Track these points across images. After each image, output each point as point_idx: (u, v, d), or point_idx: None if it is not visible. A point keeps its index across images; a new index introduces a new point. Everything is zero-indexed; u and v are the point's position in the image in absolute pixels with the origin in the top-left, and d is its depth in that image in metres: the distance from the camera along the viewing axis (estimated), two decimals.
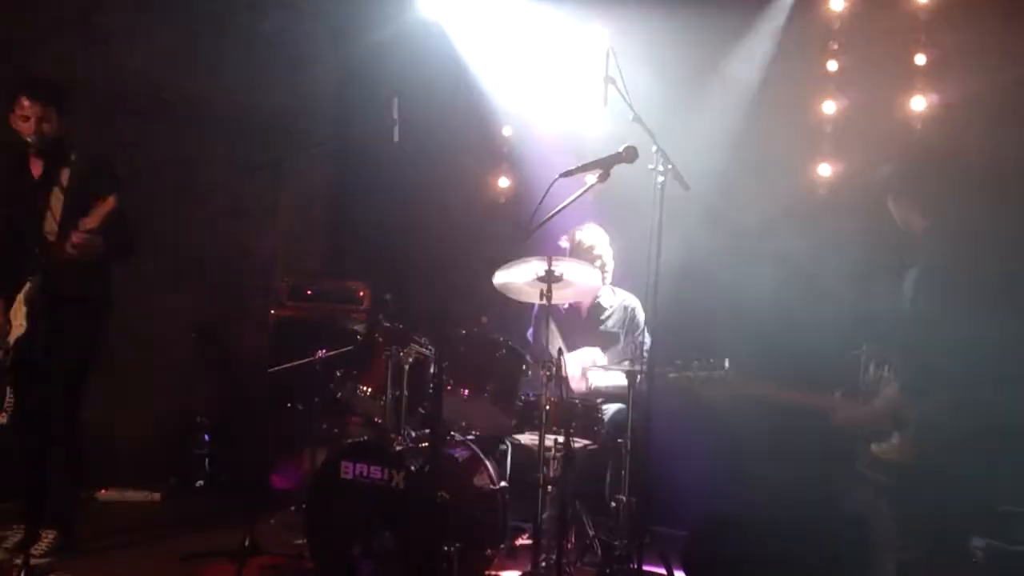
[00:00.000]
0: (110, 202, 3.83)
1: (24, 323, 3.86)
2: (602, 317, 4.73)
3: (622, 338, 4.63)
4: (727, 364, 3.59)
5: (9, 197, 4.08)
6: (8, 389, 3.99)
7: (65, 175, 4.05)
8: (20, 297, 3.94)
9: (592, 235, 4.65)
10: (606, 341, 4.60)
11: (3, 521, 4.22)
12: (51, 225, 3.97)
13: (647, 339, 4.33)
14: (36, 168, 4.09)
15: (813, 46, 5.01)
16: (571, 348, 4.42)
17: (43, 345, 3.65)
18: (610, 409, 4.29)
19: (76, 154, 4.09)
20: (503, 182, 6.07)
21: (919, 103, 4.66)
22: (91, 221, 3.83)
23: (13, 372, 3.96)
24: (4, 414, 3.97)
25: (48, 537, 4.00)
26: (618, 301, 4.76)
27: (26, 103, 3.94)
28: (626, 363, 3.98)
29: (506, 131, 6.00)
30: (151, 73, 5.79)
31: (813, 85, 5.01)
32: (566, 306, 4.66)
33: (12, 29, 5.12)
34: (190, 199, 5.94)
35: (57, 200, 4.01)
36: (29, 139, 3.94)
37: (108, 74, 5.52)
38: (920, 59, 4.67)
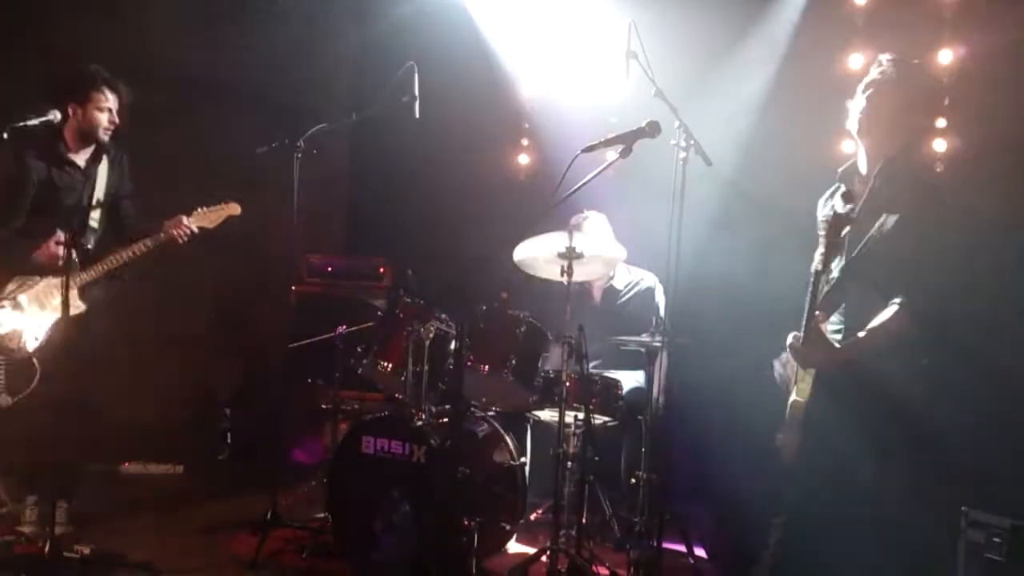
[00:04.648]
0: (234, 208, 4.08)
1: (81, 304, 3.88)
2: (619, 302, 4.67)
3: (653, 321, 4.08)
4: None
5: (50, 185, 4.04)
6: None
7: (104, 167, 4.10)
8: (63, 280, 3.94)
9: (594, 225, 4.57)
10: (627, 326, 4.21)
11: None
12: (93, 217, 4.04)
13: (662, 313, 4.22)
14: (80, 157, 4.09)
15: (837, 17, 4.92)
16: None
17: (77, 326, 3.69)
18: (628, 385, 4.27)
19: (114, 147, 4.15)
20: (524, 158, 6.05)
21: (946, 56, 4.51)
22: (210, 222, 4.09)
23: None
24: (7, 396, 3.99)
25: (61, 508, 4.02)
26: (634, 281, 4.70)
27: (110, 96, 4.00)
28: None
29: (527, 106, 5.96)
30: (169, 51, 5.79)
31: (838, 57, 4.92)
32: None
33: (31, 7, 5.13)
34: (209, 177, 5.95)
35: (99, 191, 4.07)
36: (101, 130, 3.98)
37: (125, 52, 5.52)
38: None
